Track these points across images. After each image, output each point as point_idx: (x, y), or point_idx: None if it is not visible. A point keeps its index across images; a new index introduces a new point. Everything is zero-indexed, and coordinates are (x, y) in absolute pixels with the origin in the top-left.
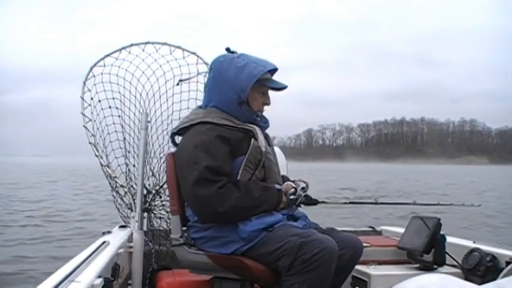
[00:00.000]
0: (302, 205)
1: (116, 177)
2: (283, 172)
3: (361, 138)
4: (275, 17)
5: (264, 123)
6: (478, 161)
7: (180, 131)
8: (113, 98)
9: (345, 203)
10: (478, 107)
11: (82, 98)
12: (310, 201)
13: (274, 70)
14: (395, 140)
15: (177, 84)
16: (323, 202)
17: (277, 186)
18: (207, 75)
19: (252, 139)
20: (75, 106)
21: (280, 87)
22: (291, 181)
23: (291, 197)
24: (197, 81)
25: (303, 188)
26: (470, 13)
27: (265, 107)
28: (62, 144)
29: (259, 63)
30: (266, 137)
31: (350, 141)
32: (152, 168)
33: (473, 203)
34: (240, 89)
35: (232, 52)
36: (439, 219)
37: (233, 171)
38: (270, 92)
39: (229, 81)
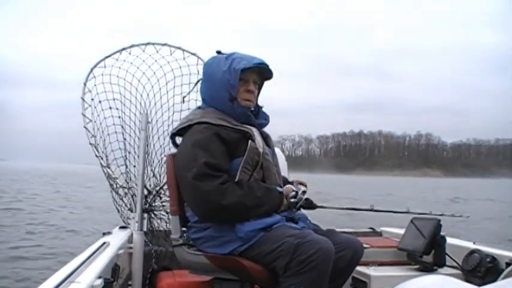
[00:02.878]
0: (301, 208)
1: (116, 178)
2: (283, 173)
3: (320, 149)
4: (226, 26)
5: (264, 120)
6: (432, 173)
7: (179, 132)
8: (114, 99)
9: (342, 208)
10: (434, 120)
11: (82, 99)
12: (310, 206)
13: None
14: (353, 152)
15: (182, 101)
16: (321, 207)
17: (278, 188)
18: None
19: (249, 140)
20: (33, 108)
21: (259, 65)
22: (290, 183)
23: (292, 200)
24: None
25: (304, 192)
26: (426, 30)
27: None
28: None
29: (244, 58)
30: (266, 137)
31: (309, 153)
32: (153, 169)
33: (463, 214)
34: (229, 86)
35: (223, 54)
36: (439, 221)
37: (231, 173)
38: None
39: (219, 80)
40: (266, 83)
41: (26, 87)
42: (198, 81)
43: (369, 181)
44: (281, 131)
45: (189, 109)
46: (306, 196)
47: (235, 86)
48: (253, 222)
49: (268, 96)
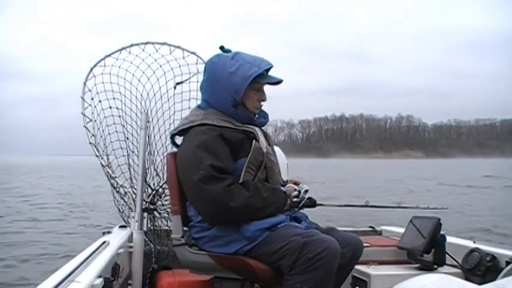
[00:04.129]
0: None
1: (116, 177)
2: (283, 172)
3: (302, 134)
4: (207, 15)
5: (263, 118)
6: (414, 155)
7: (180, 132)
8: (114, 98)
9: (340, 205)
10: (414, 102)
11: (82, 98)
12: (313, 204)
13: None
14: (335, 136)
15: (174, 87)
16: (320, 205)
17: (282, 188)
18: (202, 75)
19: (253, 140)
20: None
21: (275, 82)
22: (292, 183)
23: (294, 199)
24: (197, 81)
25: (306, 191)
26: (404, 12)
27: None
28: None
29: (254, 63)
30: (266, 136)
31: (291, 137)
32: (156, 167)
33: (437, 206)
34: (234, 91)
35: (227, 51)
36: (439, 219)
37: (235, 173)
38: (267, 87)
39: (223, 83)
40: None
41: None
42: (194, 74)
43: (352, 164)
44: None
45: (189, 108)
46: (308, 195)
47: (240, 93)
48: (259, 222)
49: None
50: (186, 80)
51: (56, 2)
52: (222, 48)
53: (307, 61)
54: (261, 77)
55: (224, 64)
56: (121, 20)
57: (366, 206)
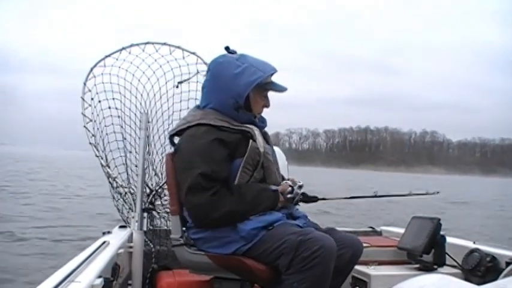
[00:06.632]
0: (302, 203)
1: (115, 177)
2: (283, 173)
3: (327, 143)
4: (226, 26)
5: (262, 123)
6: (435, 170)
7: (178, 133)
8: (113, 99)
9: (345, 198)
10: (439, 117)
11: (82, 99)
12: (310, 199)
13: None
14: (359, 147)
15: (176, 86)
16: (323, 199)
17: (273, 187)
18: (206, 75)
19: (250, 140)
20: (41, 95)
21: (280, 90)
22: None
23: (289, 195)
24: (197, 81)
25: (300, 186)
26: (432, 24)
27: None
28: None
29: (258, 67)
30: (265, 135)
31: (316, 146)
32: (155, 168)
33: (428, 190)
34: (237, 94)
35: (232, 52)
36: (439, 220)
37: (232, 173)
38: (270, 94)
39: (227, 84)
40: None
41: (34, 73)
42: (195, 74)
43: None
44: (289, 124)
45: (189, 108)
46: (303, 190)
47: (243, 97)
48: (255, 221)
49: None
50: (188, 79)
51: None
52: (227, 49)
53: (332, 71)
54: (268, 84)
55: (229, 65)
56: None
57: (375, 196)
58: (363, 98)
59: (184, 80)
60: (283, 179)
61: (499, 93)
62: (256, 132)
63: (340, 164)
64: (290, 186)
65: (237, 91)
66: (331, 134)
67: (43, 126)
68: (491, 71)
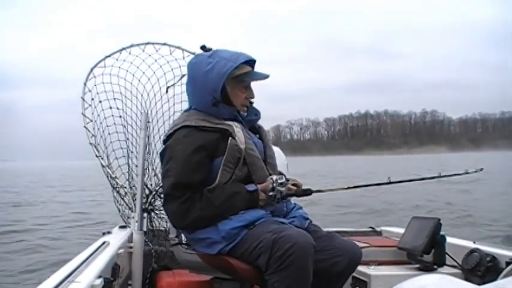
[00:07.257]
0: (295, 197)
1: (116, 177)
2: (283, 171)
3: (328, 132)
4: (225, 17)
5: (254, 116)
6: (438, 149)
7: (169, 138)
8: (114, 99)
9: (343, 188)
10: (438, 96)
11: (83, 99)
12: (303, 193)
13: (252, 61)
14: (360, 133)
15: (166, 91)
16: (318, 191)
17: (249, 187)
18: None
19: (230, 138)
20: (41, 108)
21: (260, 78)
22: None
23: (270, 193)
24: None
25: (281, 183)
26: (424, 7)
27: (253, 100)
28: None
29: (229, 59)
30: (259, 129)
31: (317, 135)
32: (154, 168)
33: (468, 169)
34: (212, 90)
35: (208, 50)
36: (439, 220)
37: (213, 173)
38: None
39: (201, 83)
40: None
41: (29, 86)
42: (182, 76)
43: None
44: (289, 115)
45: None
46: (286, 186)
47: (218, 91)
48: (235, 220)
49: (272, 83)
50: (175, 83)
51: (74, 7)
52: (203, 47)
53: (329, 58)
54: (245, 75)
55: (201, 64)
56: (140, 22)
57: (388, 183)
58: (362, 84)
59: (173, 84)
60: (281, 174)
61: (495, 68)
62: (237, 128)
63: (342, 151)
64: (271, 183)
65: (211, 86)
66: (331, 122)
67: (53, 139)
68: (484, 47)
